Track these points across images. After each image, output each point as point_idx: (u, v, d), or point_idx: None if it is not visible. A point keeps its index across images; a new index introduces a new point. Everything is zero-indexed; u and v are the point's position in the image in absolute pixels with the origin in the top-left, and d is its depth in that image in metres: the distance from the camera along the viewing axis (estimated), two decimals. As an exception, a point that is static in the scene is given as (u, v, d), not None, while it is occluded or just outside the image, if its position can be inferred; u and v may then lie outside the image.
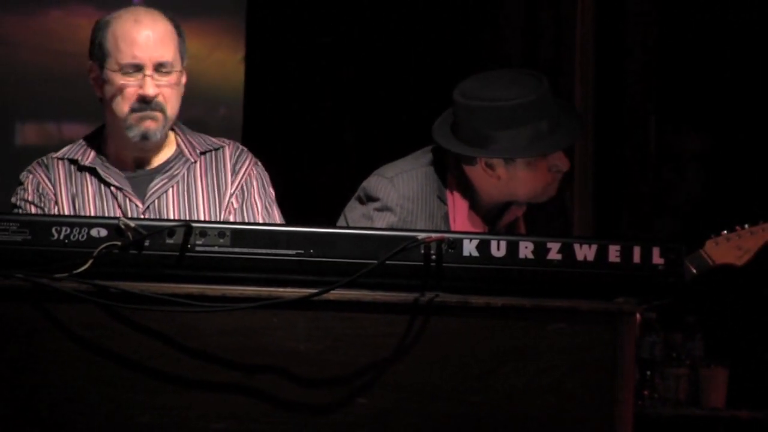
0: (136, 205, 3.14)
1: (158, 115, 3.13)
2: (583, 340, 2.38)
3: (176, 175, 3.18)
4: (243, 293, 2.35)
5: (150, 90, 3.09)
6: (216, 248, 2.37)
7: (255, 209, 3.21)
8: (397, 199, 3.38)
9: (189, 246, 2.36)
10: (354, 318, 2.36)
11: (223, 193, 3.20)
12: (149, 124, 3.13)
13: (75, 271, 2.32)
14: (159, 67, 3.10)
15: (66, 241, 2.35)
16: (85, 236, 2.35)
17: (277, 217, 3.26)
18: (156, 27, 3.13)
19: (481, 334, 2.37)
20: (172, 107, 3.15)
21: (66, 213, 3.12)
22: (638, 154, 5.66)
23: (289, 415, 2.34)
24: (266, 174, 3.29)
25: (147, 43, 3.10)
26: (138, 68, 3.10)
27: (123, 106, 3.12)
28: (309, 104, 5.58)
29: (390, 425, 2.35)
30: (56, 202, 3.15)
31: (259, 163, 3.29)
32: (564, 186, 3.59)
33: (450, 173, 3.44)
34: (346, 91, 5.58)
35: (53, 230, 2.35)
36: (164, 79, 3.12)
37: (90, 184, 3.17)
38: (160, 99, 3.12)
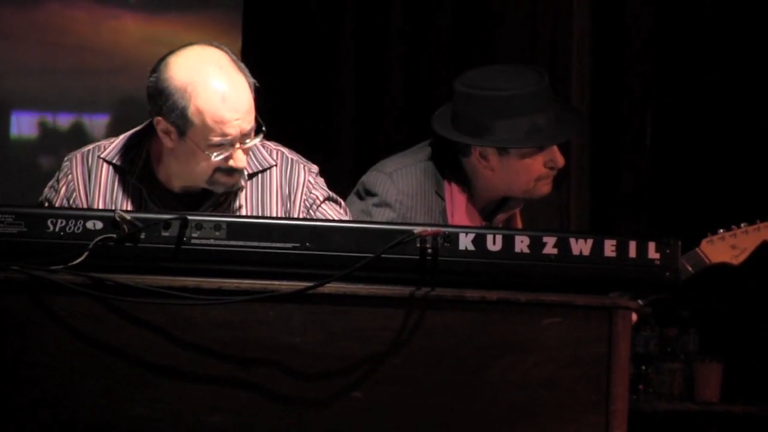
0: None
1: (241, 176, 3.07)
2: (579, 334, 2.38)
3: (222, 203, 3.09)
4: (239, 286, 2.35)
5: (241, 163, 3.01)
6: (212, 241, 2.37)
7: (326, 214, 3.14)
8: (396, 194, 3.39)
9: (185, 239, 2.36)
10: (350, 311, 2.36)
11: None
12: (234, 182, 3.05)
13: (70, 264, 2.32)
14: (245, 138, 3.01)
15: (61, 233, 2.35)
16: (80, 228, 2.35)
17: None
18: (242, 99, 2.99)
19: (476, 328, 2.37)
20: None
21: None
22: (635, 148, 5.65)
23: (284, 408, 2.34)
24: (322, 180, 3.19)
25: (236, 118, 2.97)
26: (227, 143, 3.00)
27: (207, 170, 3.01)
28: (306, 101, 5.57)
29: (385, 419, 2.35)
30: None
31: (314, 169, 3.18)
32: (560, 181, 3.59)
33: (448, 166, 3.45)
34: (344, 87, 5.57)
35: (49, 222, 2.35)
36: (247, 146, 3.03)
37: (131, 203, 3.08)
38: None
